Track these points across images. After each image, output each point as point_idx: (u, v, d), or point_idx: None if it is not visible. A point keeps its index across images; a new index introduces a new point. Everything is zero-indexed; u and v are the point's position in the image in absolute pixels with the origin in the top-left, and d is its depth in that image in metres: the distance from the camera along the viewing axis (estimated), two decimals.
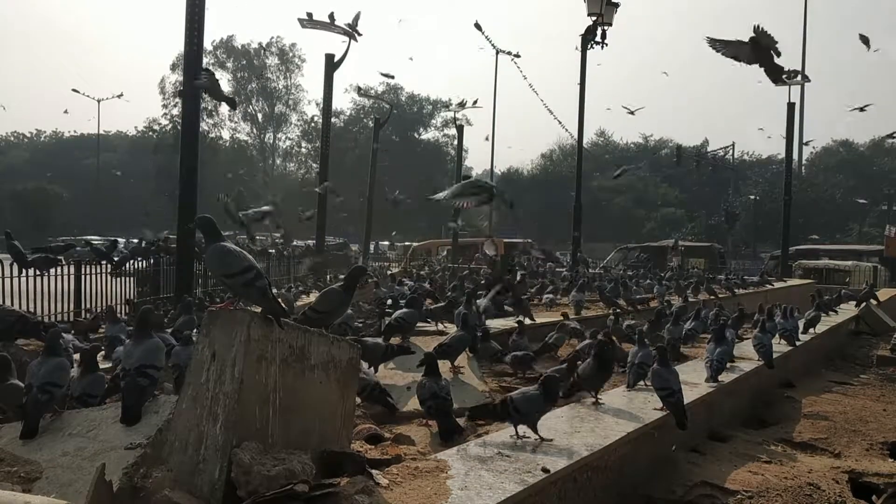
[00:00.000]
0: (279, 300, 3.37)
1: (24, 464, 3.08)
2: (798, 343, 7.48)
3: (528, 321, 8.28)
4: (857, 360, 9.05)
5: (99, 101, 56.74)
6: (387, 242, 43.61)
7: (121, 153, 74.27)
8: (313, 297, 9.86)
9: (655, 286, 12.55)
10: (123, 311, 9.13)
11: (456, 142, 34.06)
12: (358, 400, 4.88)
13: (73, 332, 6.18)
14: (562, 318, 8.11)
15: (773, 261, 28.10)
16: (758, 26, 6.37)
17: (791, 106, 24.49)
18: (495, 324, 7.58)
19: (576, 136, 21.96)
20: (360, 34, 17.49)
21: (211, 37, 66.87)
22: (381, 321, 7.38)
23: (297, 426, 2.96)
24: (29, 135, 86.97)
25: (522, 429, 3.70)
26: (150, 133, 66.69)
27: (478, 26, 34.24)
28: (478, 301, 7.98)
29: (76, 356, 4.34)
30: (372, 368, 5.27)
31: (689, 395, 4.81)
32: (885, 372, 8.21)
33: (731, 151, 56.35)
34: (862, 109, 25.00)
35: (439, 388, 4.24)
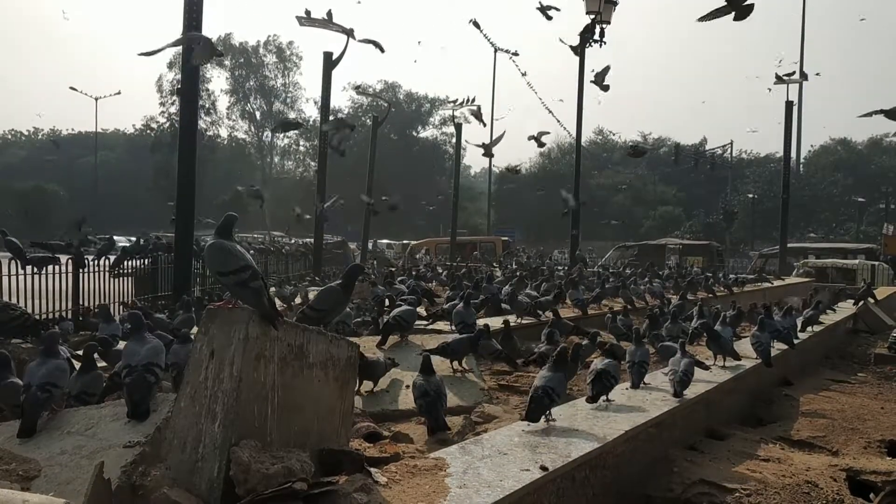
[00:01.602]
0: (275, 300, 3.36)
1: (23, 462, 3.08)
2: (796, 341, 7.48)
3: (522, 321, 8.31)
4: (855, 359, 9.06)
5: (97, 100, 56.66)
6: (385, 241, 43.65)
7: (118, 152, 74.18)
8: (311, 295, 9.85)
9: (651, 284, 12.56)
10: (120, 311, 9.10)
11: (454, 140, 34.08)
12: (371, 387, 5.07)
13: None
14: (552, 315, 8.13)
15: (762, 259, 28.09)
16: None
17: (789, 104, 24.53)
18: (493, 322, 7.56)
19: (574, 134, 22.00)
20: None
21: (208, 34, 66.74)
22: (378, 319, 7.38)
23: (296, 424, 2.96)
24: (27, 133, 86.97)
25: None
26: (148, 131, 66.59)
27: (476, 24, 34.25)
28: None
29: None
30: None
31: (687, 393, 4.82)
32: (882, 370, 8.21)
33: (729, 150, 56.42)
34: None
35: (430, 385, 4.29)
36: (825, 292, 13.02)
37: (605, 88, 12.26)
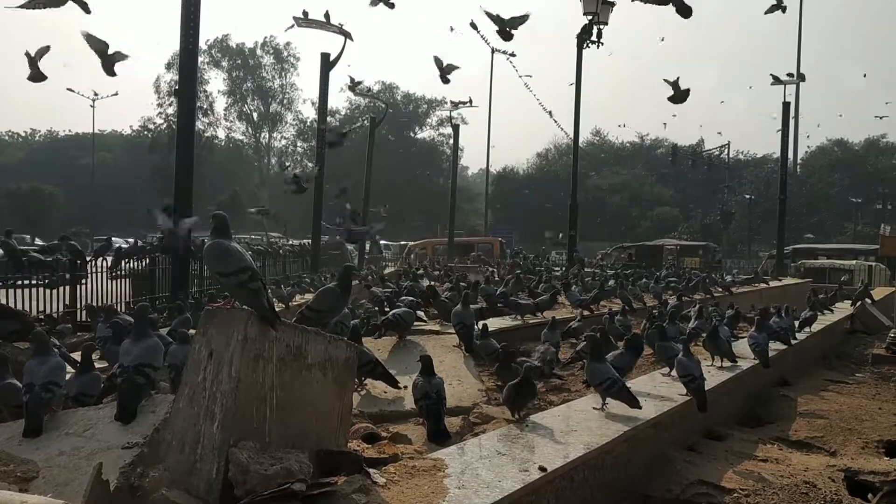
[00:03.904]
0: (273, 302, 3.35)
1: (21, 463, 3.07)
2: (794, 342, 7.50)
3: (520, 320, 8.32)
4: (853, 359, 9.07)
5: (94, 101, 56.42)
6: (383, 242, 43.59)
7: (116, 152, 74.05)
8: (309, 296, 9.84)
9: (651, 285, 12.60)
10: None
11: (452, 140, 34.14)
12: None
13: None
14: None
15: (772, 259, 28.15)
16: None
17: (786, 105, 24.59)
18: (493, 322, 7.57)
19: (571, 134, 22.01)
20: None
21: (205, 36, 66.66)
22: (377, 319, 7.38)
23: (295, 425, 2.95)
24: (24, 134, 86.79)
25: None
26: (145, 132, 66.44)
27: (473, 25, 34.22)
28: None
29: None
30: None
31: (685, 394, 4.83)
32: (880, 370, 8.22)
33: (726, 151, 56.50)
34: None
35: (431, 387, 4.27)
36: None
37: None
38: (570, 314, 9.13)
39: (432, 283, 10.09)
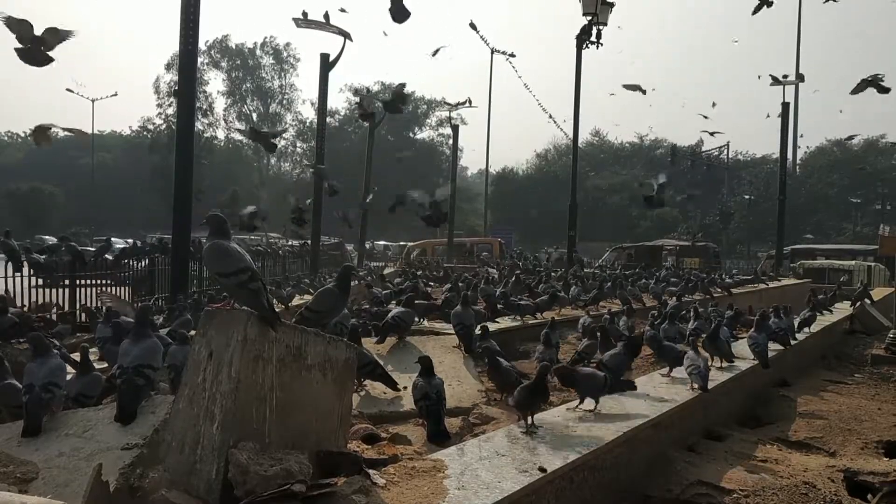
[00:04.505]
0: (273, 302, 3.35)
1: (21, 464, 3.07)
2: (793, 342, 7.50)
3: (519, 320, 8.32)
4: (852, 359, 9.07)
5: (93, 101, 56.42)
6: (382, 242, 43.63)
7: (115, 153, 74.04)
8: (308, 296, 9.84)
9: (651, 285, 12.60)
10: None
11: (451, 141, 34.13)
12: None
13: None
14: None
15: (770, 260, 28.14)
16: None
17: (785, 106, 24.59)
18: (492, 323, 7.57)
19: (571, 135, 22.01)
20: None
21: (205, 36, 66.63)
22: (377, 320, 7.38)
23: (295, 426, 2.95)
24: (23, 134, 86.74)
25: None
26: (145, 133, 66.43)
27: (473, 26, 34.30)
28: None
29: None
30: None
31: (685, 395, 4.83)
32: (879, 371, 8.22)
33: (725, 151, 56.50)
34: None
35: (431, 387, 4.26)
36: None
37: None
38: (566, 315, 9.13)
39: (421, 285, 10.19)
